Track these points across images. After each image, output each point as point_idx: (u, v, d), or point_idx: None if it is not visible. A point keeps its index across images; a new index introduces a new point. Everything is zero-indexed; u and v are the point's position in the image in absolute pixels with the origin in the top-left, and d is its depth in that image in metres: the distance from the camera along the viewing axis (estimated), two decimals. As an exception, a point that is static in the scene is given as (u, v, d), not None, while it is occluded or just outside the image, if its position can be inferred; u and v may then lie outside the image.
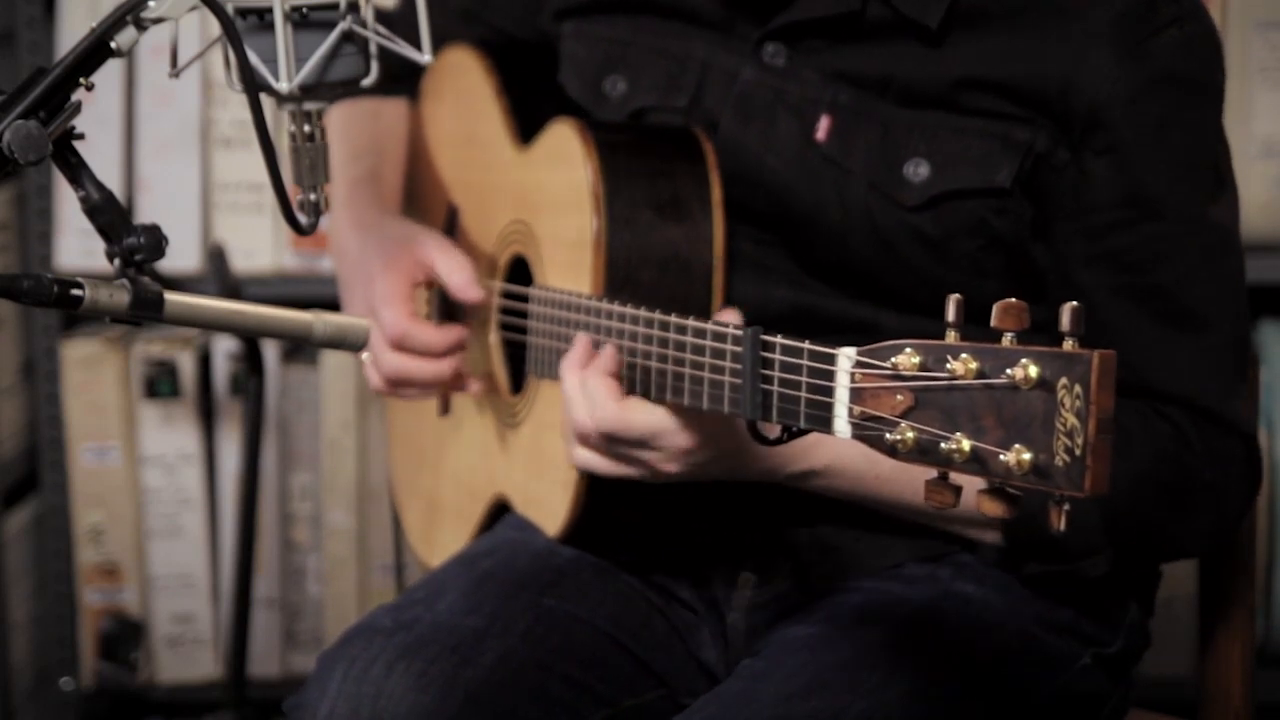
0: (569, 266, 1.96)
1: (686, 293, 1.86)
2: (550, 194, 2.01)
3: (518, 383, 2.12)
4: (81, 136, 1.56)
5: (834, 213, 1.90)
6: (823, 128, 1.91)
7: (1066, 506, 1.36)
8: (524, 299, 2.05)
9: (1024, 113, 1.85)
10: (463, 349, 2.07)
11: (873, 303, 1.92)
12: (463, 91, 2.21)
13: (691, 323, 1.74)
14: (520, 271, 2.09)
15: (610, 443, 1.80)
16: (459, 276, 2.04)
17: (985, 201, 1.87)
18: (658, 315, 1.78)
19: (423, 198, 2.28)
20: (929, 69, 1.88)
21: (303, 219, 1.71)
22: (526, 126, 2.12)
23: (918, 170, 1.88)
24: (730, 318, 1.78)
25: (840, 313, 1.92)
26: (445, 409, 2.22)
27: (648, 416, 1.77)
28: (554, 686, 1.88)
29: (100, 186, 1.55)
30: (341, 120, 2.24)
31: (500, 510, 2.13)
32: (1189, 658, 2.87)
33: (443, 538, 2.24)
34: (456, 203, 2.23)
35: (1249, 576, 2.06)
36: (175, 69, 1.74)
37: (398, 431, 2.37)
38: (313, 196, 1.74)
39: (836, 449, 1.82)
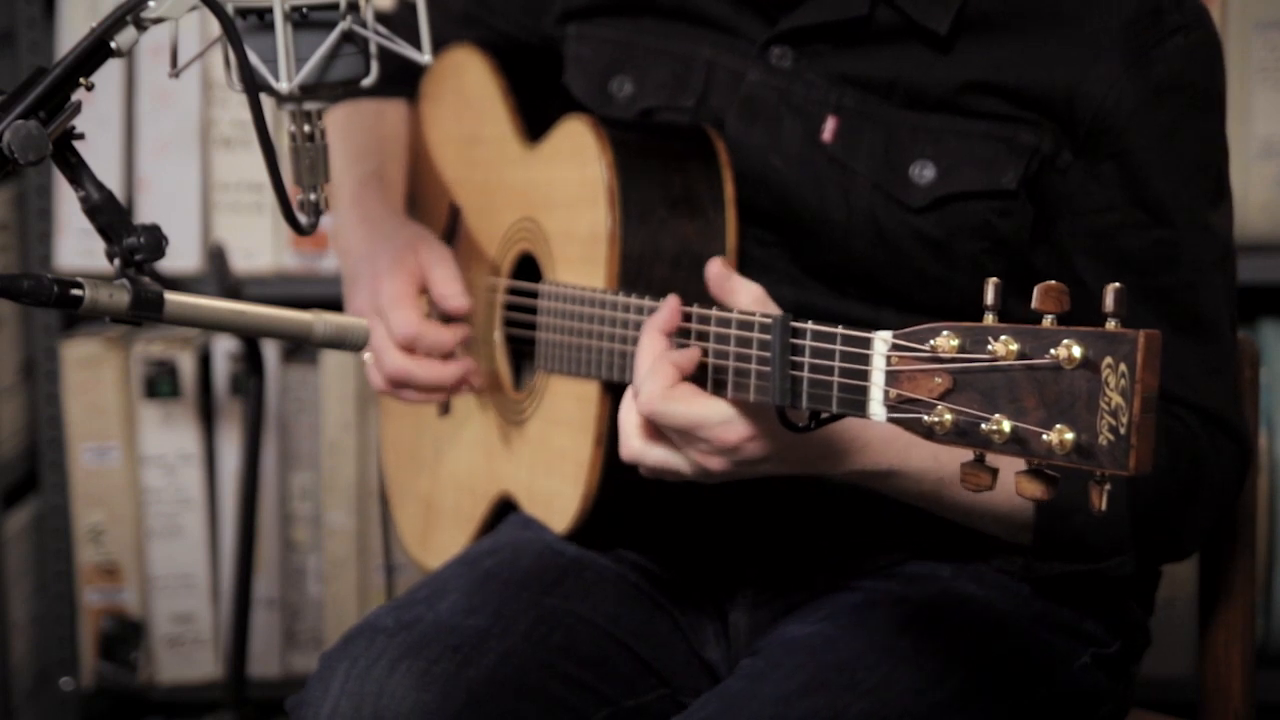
0: (581, 262, 1.96)
1: (699, 288, 1.86)
2: (562, 190, 2.01)
3: (521, 381, 2.12)
4: (81, 136, 1.56)
5: (838, 213, 1.90)
6: (829, 129, 1.92)
7: (1108, 486, 1.36)
8: (533, 295, 2.05)
9: (1029, 115, 1.85)
10: (466, 351, 2.07)
11: (873, 303, 1.92)
12: (465, 91, 2.21)
13: (715, 312, 1.74)
14: (526, 269, 2.09)
15: (653, 431, 1.74)
16: (446, 287, 2.05)
17: (990, 204, 1.87)
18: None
19: (425, 199, 2.28)
20: (935, 73, 1.88)
21: (303, 219, 1.71)
22: (528, 128, 2.11)
23: (923, 172, 1.88)
24: (750, 294, 1.77)
25: (840, 312, 1.92)
26: (445, 409, 2.21)
27: (690, 407, 1.70)
28: (556, 686, 1.88)
29: (100, 186, 1.55)
30: (344, 121, 2.24)
31: (503, 510, 2.13)
32: (1189, 658, 2.87)
33: (441, 540, 2.23)
34: (459, 202, 2.23)
35: (1249, 577, 2.06)
36: (175, 69, 1.74)
37: (390, 436, 2.36)
38: (313, 196, 1.74)
39: (904, 449, 1.77)
